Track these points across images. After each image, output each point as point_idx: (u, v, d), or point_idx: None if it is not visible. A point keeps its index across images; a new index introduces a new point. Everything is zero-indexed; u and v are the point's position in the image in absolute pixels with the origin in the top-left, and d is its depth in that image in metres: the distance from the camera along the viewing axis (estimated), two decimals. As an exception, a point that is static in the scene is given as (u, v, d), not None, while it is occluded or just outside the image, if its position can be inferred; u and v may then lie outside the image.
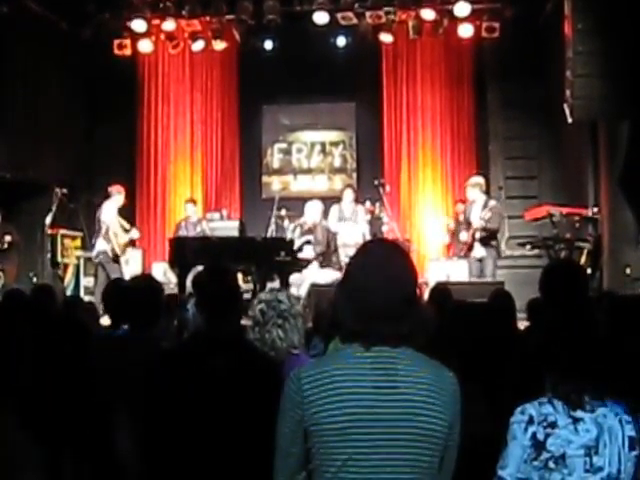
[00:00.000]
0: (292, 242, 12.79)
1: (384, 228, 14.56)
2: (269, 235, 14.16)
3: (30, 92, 14.59)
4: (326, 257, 13.15)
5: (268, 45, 16.37)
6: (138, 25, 15.83)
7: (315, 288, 11.69)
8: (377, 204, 14.72)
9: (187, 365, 3.96)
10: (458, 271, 13.68)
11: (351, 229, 14.14)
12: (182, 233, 14.70)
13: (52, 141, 15.19)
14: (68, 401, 3.73)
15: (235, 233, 14.64)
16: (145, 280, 5.85)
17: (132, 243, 14.66)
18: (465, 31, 15.54)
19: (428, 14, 15.31)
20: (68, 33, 15.75)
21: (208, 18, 16.00)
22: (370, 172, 16.59)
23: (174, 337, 5.66)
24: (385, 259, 2.79)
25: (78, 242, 15.52)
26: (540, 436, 3.24)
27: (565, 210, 12.97)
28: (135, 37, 16.20)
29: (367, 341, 2.71)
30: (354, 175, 17.58)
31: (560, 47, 11.83)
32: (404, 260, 2.83)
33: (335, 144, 17.86)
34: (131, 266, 14.49)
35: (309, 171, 17.91)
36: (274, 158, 17.98)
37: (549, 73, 14.22)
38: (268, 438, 2.92)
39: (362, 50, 16.38)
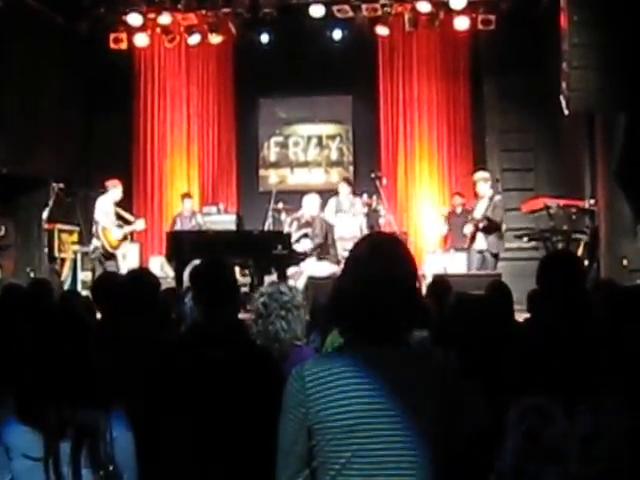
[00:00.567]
0: (289, 235, 12.79)
1: (381, 221, 14.58)
2: (266, 229, 14.18)
3: (26, 87, 14.56)
4: (324, 250, 13.14)
5: (264, 38, 16.34)
6: (134, 19, 15.82)
7: (312, 281, 11.69)
8: (374, 197, 14.73)
9: (185, 359, 3.97)
10: (455, 263, 13.70)
11: (348, 222, 14.15)
12: (177, 228, 14.71)
13: (49, 136, 15.16)
14: (67, 396, 3.73)
15: (232, 227, 14.64)
16: (141, 274, 5.84)
17: (130, 236, 14.65)
18: (461, 23, 15.52)
19: (424, 6, 15.29)
20: (64, 27, 15.71)
21: (204, 12, 15.97)
22: (367, 165, 16.59)
23: (172, 331, 5.65)
24: (385, 252, 2.78)
25: (75, 237, 15.51)
26: (536, 428, 3.25)
27: (562, 202, 12.97)
28: (131, 31, 16.18)
29: (367, 334, 2.71)
30: (351, 168, 17.58)
31: (556, 39, 11.84)
32: (404, 253, 2.83)
33: (332, 137, 17.85)
34: (128, 260, 14.47)
35: (306, 164, 17.91)
36: (271, 151, 17.98)
37: (545, 65, 14.21)
38: (267, 431, 2.92)
39: (358, 43, 16.38)
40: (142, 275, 5.65)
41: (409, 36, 16.58)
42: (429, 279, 10.65)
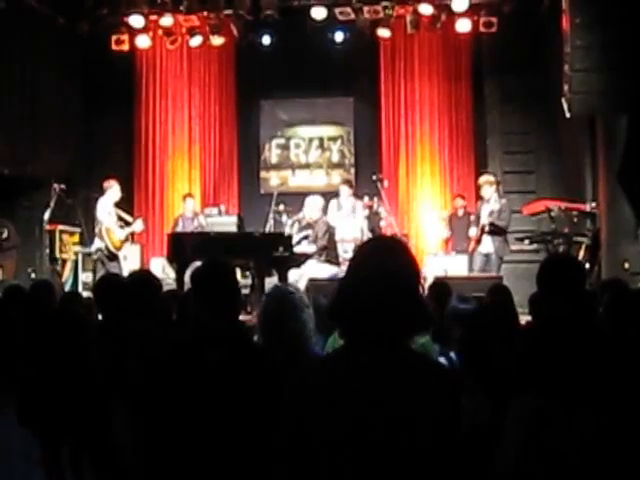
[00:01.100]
0: (290, 237, 12.78)
1: (382, 223, 14.57)
2: (267, 230, 14.17)
3: (28, 87, 14.57)
4: (327, 253, 13.12)
5: (266, 40, 16.34)
6: (136, 20, 15.80)
7: (313, 283, 11.68)
8: (375, 199, 14.73)
9: (187, 360, 3.96)
10: (456, 266, 13.69)
11: (349, 224, 14.15)
12: (179, 229, 14.71)
13: (50, 136, 15.17)
14: (67, 396, 3.73)
15: (233, 228, 14.64)
16: (143, 276, 5.85)
17: (132, 237, 14.63)
18: (463, 26, 15.51)
19: (426, 9, 15.28)
20: (66, 28, 15.70)
21: (206, 13, 15.96)
22: (368, 167, 16.59)
23: (173, 332, 5.65)
24: (388, 254, 2.78)
25: (76, 238, 15.52)
26: (535, 429, 3.25)
27: (563, 205, 12.98)
28: (133, 32, 16.17)
29: (368, 337, 2.70)
30: (352, 170, 17.58)
31: (558, 41, 11.83)
32: (406, 256, 2.82)
33: (333, 139, 17.86)
34: (129, 262, 14.47)
35: (307, 166, 17.92)
36: (272, 153, 17.99)
37: (547, 68, 14.22)
38: (267, 432, 2.92)
39: (360, 45, 16.38)
40: (144, 277, 5.65)
41: (411, 38, 16.57)
42: (430, 281, 10.65)
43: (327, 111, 17.73)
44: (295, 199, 14.68)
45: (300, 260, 12.75)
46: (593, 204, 12.88)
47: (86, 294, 11.10)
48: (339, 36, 16.22)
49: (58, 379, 3.79)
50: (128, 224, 13.96)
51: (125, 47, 16.30)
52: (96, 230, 13.69)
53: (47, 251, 14.87)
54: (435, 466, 2.61)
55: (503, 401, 4.03)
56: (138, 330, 4.82)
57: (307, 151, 17.94)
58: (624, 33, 10.79)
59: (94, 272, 14.41)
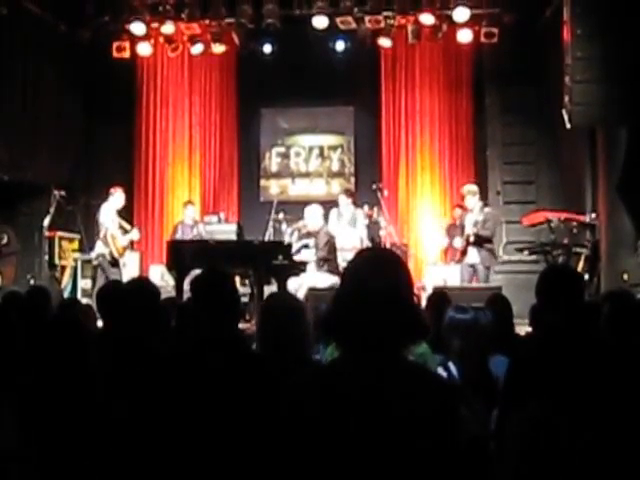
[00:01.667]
0: (290, 246, 12.77)
1: (382, 232, 14.56)
2: (267, 239, 14.15)
3: (29, 94, 14.59)
4: (328, 263, 13.10)
5: (267, 49, 16.38)
6: (137, 28, 15.80)
7: (313, 292, 11.67)
8: (375, 208, 14.72)
9: (186, 369, 3.96)
10: (455, 276, 13.67)
11: (349, 233, 14.13)
12: (178, 236, 14.69)
13: (50, 143, 15.19)
14: (66, 402, 3.73)
15: (233, 236, 14.62)
16: (141, 283, 5.84)
17: (131, 245, 14.61)
18: (464, 36, 15.51)
19: (427, 19, 15.28)
20: (67, 35, 15.71)
21: (207, 21, 15.97)
22: (368, 176, 16.59)
23: (172, 340, 5.64)
24: (379, 266, 2.78)
25: (75, 244, 15.51)
26: (536, 440, 3.24)
27: (563, 216, 12.97)
28: (134, 40, 16.16)
29: (363, 347, 2.69)
30: (352, 179, 17.60)
31: (559, 53, 11.84)
32: (398, 267, 2.81)
33: (333, 148, 17.87)
34: (129, 269, 14.44)
35: (307, 175, 17.93)
36: (272, 162, 18.00)
37: (548, 79, 14.24)
38: (265, 442, 2.91)
39: (361, 54, 16.41)
40: (142, 284, 5.64)
41: (412, 48, 16.59)
42: (429, 291, 10.65)
43: (328, 120, 17.75)
44: (295, 208, 14.68)
45: (299, 269, 12.74)
46: (593, 215, 12.88)
47: (85, 300, 11.11)
48: (340, 45, 16.25)
49: (57, 385, 3.79)
50: (126, 232, 13.95)
51: (126, 54, 16.28)
52: (100, 235, 13.67)
53: (46, 257, 14.84)
54: (435, 477, 2.60)
55: (502, 411, 4.03)
56: (136, 337, 4.81)
57: (307, 160, 17.95)
58: (625, 45, 10.80)
59: (93, 279, 14.41)
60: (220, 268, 4.48)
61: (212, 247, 12.72)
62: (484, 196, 14.54)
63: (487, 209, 13.38)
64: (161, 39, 16.41)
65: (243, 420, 3.74)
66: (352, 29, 15.86)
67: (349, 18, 15.56)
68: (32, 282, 14.25)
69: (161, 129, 17.44)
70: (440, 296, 7.50)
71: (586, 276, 11.90)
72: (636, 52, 10.70)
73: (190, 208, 15.31)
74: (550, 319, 4.29)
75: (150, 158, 17.41)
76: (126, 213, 14.95)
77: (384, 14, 15.41)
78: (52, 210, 14.44)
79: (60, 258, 15.07)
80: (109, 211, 13.70)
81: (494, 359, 5.04)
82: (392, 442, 2.57)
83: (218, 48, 16.32)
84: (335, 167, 17.86)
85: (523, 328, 7.76)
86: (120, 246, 13.61)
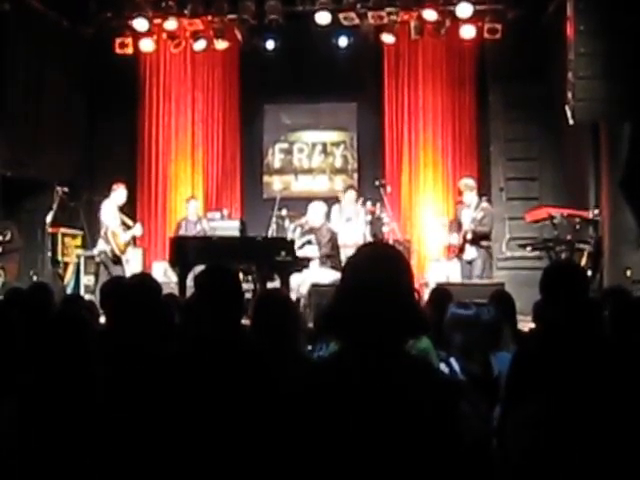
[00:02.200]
0: (293, 242, 12.76)
1: (385, 229, 14.55)
2: (270, 235, 14.15)
3: (31, 90, 14.58)
4: (331, 260, 13.10)
5: (270, 45, 16.36)
6: (140, 24, 15.80)
7: (316, 288, 11.68)
8: (378, 204, 14.71)
9: (187, 368, 3.95)
10: (458, 272, 13.67)
11: (351, 229, 14.12)
12: (182, 232, 14.69)
13: (53, 139, 15.17)
14: (67, 400, 3.72)
15: (236, 233, 14.63)
16: (143, 279, 5.83)
17: (134, 241, 14.60)
18: (467, 32, 15.49)
19: (430, 15, 15.27)
20: (70, 31, 15.72)
21: (210, 17, 15.97)
22: (371, 172, 16.59)
23: (174, 336, 5.64)
24: (381, 259, 2.78)
25: (78, 241, 15.52)
26: (538, 436, 3.24)
27: (566, 212, 12.95)
28: (137, 36, 16.16)
29: (363, 344, 2.69)
30: (355, 175, 17.58)
31: (562, 49, 11.82)
32: (397, 262, 2.81)
33: (336, 144, 17.86)
34: (131, 265, 14.43)
35: (310, 171, 17.91)
36: (275, 158, 17.99)
37: (551, 75, 14.22)
38: (267, 440, 2.91)
39: (364, 50, 16.41)
40: (144, 280, 5.64)
41: (415, 44, 16.56)
42: (432, 287, 10.64)
43: (330, 116, 17.73)
44: (298, 204, 14.67)
45: (302, 265, 12.74)
46: (596, 211, 12.85)
47: (88, 297, 11.11)
48: (343, 41, 16.23)
49: (59, 383, 3.78)
50: (129, 228, 13.94)
51: (129, 50, 16.28)
52: (101, 233, 13.68)
53: (49, 254, 14.85)
54: (435, 473, 2.59)
55: (505, 408, 4.02)
56: (137, 333, 4.81)
57: (310, 156, 17.94)
58: (628, 41, 10.78)
59: (96, 275, 14.42)
60: (225, 264, 4.47)
61: (215, 243, 12.72)
62: (487, 192, 14.53)
63: (484, 204, 13.35)
64: (164, 35, 16.41)
65: (245, 418, 3.73)
66: (355, 25, 15.84)
67: (352, 14, 15.55)
68: (35, 278, 14.24)
69: (164, 125, 17.44)
70: (442, 292, 7.51)
71: (589, 272, 11.89)
72: (638, 48, 10.68)
73: (192, 203, 15.33)
74: (553, 315, 4.28)
75: (153, 154, 17.41)
76: (129, 209, 14.97)
77: (387, 10, 15.40)
78: (55, 206, 14.45)
79: (63, 255, 15.07)
80: (110, 208, 13.70)
81: (496, 355, 5.04)
82: (393, 437, 2.57)
83: (221, 44, 16.31)
84: (338, 163, 17.85)
85: (527, 324, 7.76)
86: (121, 243, 13.61)
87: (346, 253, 13.08)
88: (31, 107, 14.59)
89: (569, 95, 11.19)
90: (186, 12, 15.85)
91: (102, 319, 6.92)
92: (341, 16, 15.54)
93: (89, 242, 14.98)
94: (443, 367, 4.80)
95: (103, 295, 6.29)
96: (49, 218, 14.45)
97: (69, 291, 14.42)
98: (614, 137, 12.12)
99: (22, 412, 3.62)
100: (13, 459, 3.52)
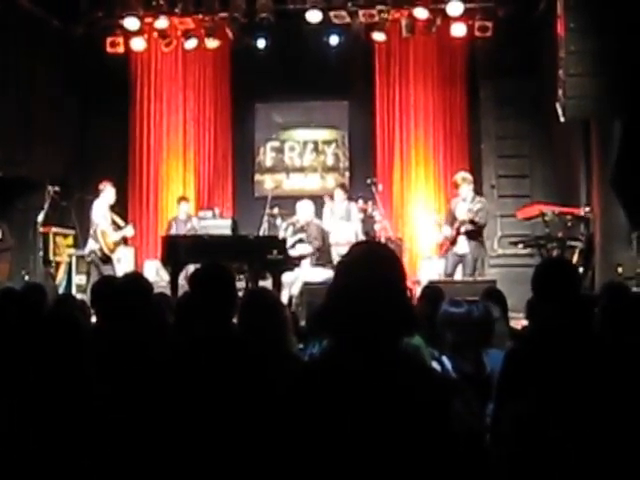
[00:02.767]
0: (284, 240, 12.78)
1: (376, 227, 14.56)
2: (261, 233, 14.15)
3: (22, 90, 14.56)
4: (322, 253, 13.14)
5: (261, 43, 16.34)
6: (131, 23, 15.79)
7: (308, 287, 11.69)
8: (370, 203, 14.72)
9: (184, 367, 3.95)
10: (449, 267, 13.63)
11: (343, 228, 14.14)
12: (173, 231, 14.69)
13: (44, 139, 15.15)
14: (61, 399, 3.72)
15: (227, 231, 14.60)
16: (134, 278, 5.84)
17: (125, 241, 14.58)
18: (458, 30, 15.51)
19: (421, 13, 15.29)
20: (60, 31, 15.70)
21: (201, 16, 15.97)
22: (363, 170, 16.61)
23: (165, 335, 5.64)
24: (374, 258, 2.79)
25: (70, 240, 15.49)
26: (530, 434, 3.25)
27: (557, 209, 12.97)
28: (128, 35, 16.14)
29: (356, 342, 2.69)
30: (346, 174, 17.59)
31: (553, 46, 11.85)
32: (390, 260, 2.81)
33: (328, 142, 17.87)
34: (123, 264, 14.43)
35: (302, 169, 17.92)
36: (267, 156, 17.99)
37: (542, 72, 14.25)
38: (261, 438, 2.91)
39: (355, 49, 16.40)
40: (135, 279, 5.64)
41: (406, 42, 16.58)
42: (424, 285, 10.63)
43: (322, 114, 17.74)
44: (289, 202, 14.66)
45: (294, 263, 12.76)
46: (587, 209, 12.87)
47: (80, 296, 11.10)
48: (334, 39, 16.23)
49: (52, 383, 3.78)
50: (120, 227, 13.92)
51: (120, 49, 16.27)
52: (91, 232, 13.65)
53: (41, 253, 14.82)
54: (429, 470, 2.60)
55: (497, 405, 4.03)
56: (128, 332, 4.81)
57: (302, 154, 17.95)
58: (618, 38, 10.81)
59: (88, 275, 14.40)
60: (220, 262, 4.47)
61: (207, 242, 12.72)
62: (479, 190, 14.52)
63: (482, 198, 13.32)
64: (155, 34, 16.40)
65: (240, 417, 3.73)
66: (346, 23, 15.86)
67: (343, 12, 15.57)
68: (27, 278, 14.22)
69: (155, 124, 17.44)
70: (434, 290, 7.52)
71: (580, 269, 11.91)
72: (630, 45, 10.70)
73: (184, 205, 15.33)
74: (545, 312, 4.29)
75: (144, 153, 17.41)
76: (120, 208, 14.95)
77: (378, 8, 15.42)
78: (46, 206, 14.41)
79: (55, 254, 15.04)
80: (100, 207, 13.67)
81: (488, 353, 5.05)
82: (386, 435, 2.57)
83: (212, 43, 16.31)
84: (330, 161, 17.86)
85: (519, 322, 7.78)
86: (110, 242, 13.56)
87: (338, 251, 13.12)
88: (22, 106, 14.57)
89: (560, 92, 11.21)
90: (177, 11, 15.86)
91: (94, 318, 6.92)
92: (332, 14, 15.56)
93: (81, 241, 14.94)
94: (435, 365, 4.81)
95: (94, 294, 6.28)
96: (41, 217, 14.41)
97: (61, 290, 14.40)
98: (605, 134, 12.14)
99: (18, 413, 3.61)
100: (9, 460, 3.52)
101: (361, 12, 15.52)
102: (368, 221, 14.69)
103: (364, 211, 14.67)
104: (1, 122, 13.90)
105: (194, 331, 4.28)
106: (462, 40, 15.98)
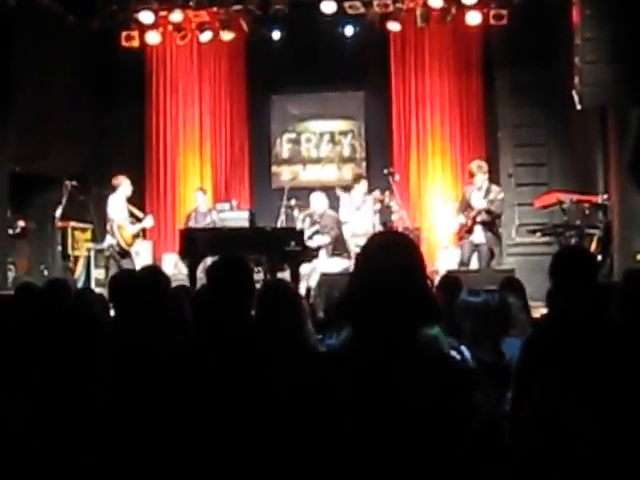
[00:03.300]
0: (302, 232, 12.79)
1: (394, 217, 14.52)
2: (279, 225, 14.17)
3: (39, 85, 14.58)
4: (338, 243, 13.16)
5: (276, 35, 16.35)
6: (145, 17, 15.81)
7: (325, 277, 11.69)
8: (387, 193, 14.69)
9: (201, 361, 3.95)
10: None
11: (361, 218, 14.13)
12: (192, 224, 14.71)
13: (61, 134, 15.17)
14: (77, 394, 3.73)
15: (245, 223, 14.64)
16: (151, 271, 5.85)
17: (143, 233, 14.61)
18: (473, 18, 15.45)
19: (436, 2, 15.24)
20: (77, 26, 15.72)
21: (215, 9, 15.98)
22: (379, 161, 16.59)
23: (184, 328, 5.65)
24: (392, 250, 2.78)
25: (88, 234, 15.54)
26: (549, 422, 3.25)
27: (575, 197, 12.93)
28: (143, 29, 16.17)
29: (377, 332, 2.70)
30: (363, 164, 17.58)
31: (569, 33, 11.82)
32: (410, 250, 2.82)
33: (344, 133, 17.86)
34: (141, 257, 14.49)
35: (318, 161, 17.92)
36: (283, 148, 18.00)
37: (558, 60, 14.18)
38: (277, 430, 2.92)
39: (370, 39, 16.37)
40: (152, 272, 5.66)
41: (421, 32, 16.53)
42: (442, 274, 10.61)
43: (338, 105, 17.72)
44: (307, 194, 14.64)
45: (312, 255, 12.77)
46: (605, 196, 12.84)
47: (99, 290, 11.14)
48: (349, 30, 16.22)
49: (67, 381, 3.79)
50: (139, 220, 13.96)
51: (135, 43, 16.29)
52: (107, 227, 13.70)
53: (59, 248, 14.88)
54: (448, 457, 2.60)
55: (516, 393, 4.03)
56: (146, 326, 4.82)
57: (318, 145, 17.95)
58: (634, 25, 10.77)
59: (107, 269, 14.45)
60: (238, 255, 4.47)
61: (225, 235, 12.76)
62: (495, 178, 14.49)
63: (495, 186, 13.23)
64: (170, 27, 16.42)
65: (256, 412, 3.73)
66: (361, 13, 15.84)
67: (357, 2, 15.55)
68: (46, 273, 14.30)
69: (171, 117, 17.47)
70: (452, 279, 7.51)
71: (599, 257, 11.89)
72: (645, 32, 10.68)
73: (200, 195, 15.31)
74: (563, 300, 4.28)
75: (161, 147, 17.44)
76: (138, 202, 14.98)
77: (392, -3, 15.40)
78: (64, 200, 14.46)
79: (73, 248, 15.10)
80: (116, 202, 13.68)
81: (507, 341, 5.05)
82: (406, 425, 2.57)
83: (227, 35, 16.31)
84: (346, 152, 17.85)
85: (537, 310, 7.76)
86: (128, 236, 13.58)
87: (356, 242, 13.12)
88: (38, 102, 14.59)
89: (576, 80, 11.19)
90: (191, 4, 15.86)
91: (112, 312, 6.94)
92: (346, 5, 15.54)
93: (99, 236, 14.99)
94: (454, 355, 4.80)
95: (111, 288, 6.30)
96: (59, 212, 14.46)
97: (80, 285, 14.44)
98: (622, 121, 12.11)
99: (34, 413, 3.63)
100: (25, 459, 3.54)
101: (375, 2, 15.49)
102: (385, 211, 14.66)
103: (381, 201, 14.63)
104: (18, 118, 13.96)
105: (212, 324, 4.28)
106: (477, 28, 15.92)
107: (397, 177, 15.13)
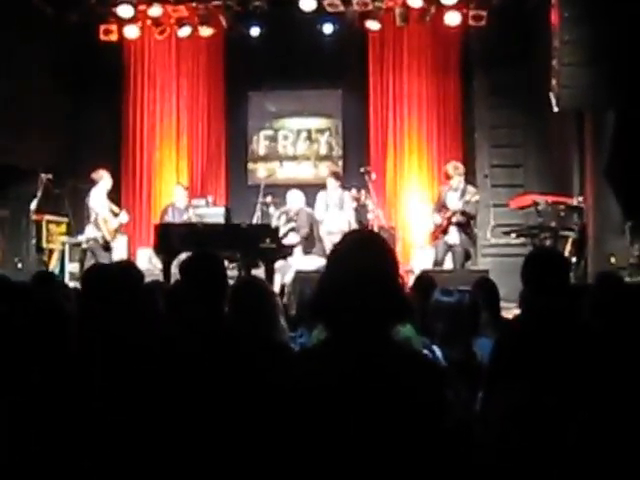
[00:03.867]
0: (277, 229, 12.80)
1: (369, 216, 14.54)
2: (255, 222, 14.17)
3: (14, 77, 14.49)
4: (310, 242, 13.16)
5: (254, 32, 16.30)
6: (124, 11, 15.74)
7: (300, 275, 11.70)
8: (363, 191, 14.70)
9: (174, 355, 3.94)
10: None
11: (336, 217, 14.14)
12: (168, 218, 14.67)
13: (37, 126, 15.10)
14: (51, 387, 3.72)
15: (221, 220, 14.60)
16: (125, 266, 5.83)
17: (120, 228, 14.58)
18: (452, 19, 15.46)
19: (415, 2, 15.24)
20: (54, 18, 15.64)
21: (194, 4, 15.92)
22: (356, 159, 16.58)
23: (157, 324, 5.63)
24: (364, 248, 2.79)
25: (63, 228, 15.45)
26: (520, 423, 3.25)
27: (550, 199, 12.97)
28: (121, 23, 16.10)
29: (350, 331, 2.69)
30: (340, 162, 17.57)
31: (547, 36, 11.85)
32: (383, 248, 2.82)
33: (321, 131, 17.85)
34: (117, 252, 14.44)
35: (295, 158, 17.91)
36: (260, 145, 17.97)
37: (536, 61, 14.22)
38: (255, 428, 2.91)
39: (349, 37, 16.37)
40: (125, 267, 5.64)
41: (400, 31, 16.54)
42: (417, 274, 10.62)
43: (315, 103, 17.72)
44: (283, 191, 14.66)
45: (287, 252, 12.77)
46: (580, 198, 12.88)
47: (72, 284, 11.08)
48: (328, 28, 16.19)
49: (43, 369, 3.78)
50: (116, 215, 13.94)
51: (114, 37, 16.24)
52: (91, 219, 13.67)
53: (34, 241, 14.80)
54: (421, 459, 2.60)
55: (487, 394, 4.03)
56: (117, 321, 4.80)
57: (295, 143, 17.93)
58: (613, 28, 10.81)
59: (81, 262, 14.37)
60: (210, 251, 4.47)
61: (200, 230, 12.73)
62: (472, 179, 14.53)
63: (470, 187, 13.30)
64: (148, 22, 16.36)
65: (234, 407, 3.72)
66: (340, 11, 15.83)
67: (337, 1, 15.52)
68: (20, 266, 14.22)
69: (148, 112, 17.41)
70: (426, 279, 7.53)
71: (573, 259, 11.95)
72: (624, 35, 10.70)
73: (180, 190, 15.26)
74: (535, 301, 4.30)
75: (137, 141, 17.39)
76: (114, 196, 14.93)
77: (372, -4, 15.41)
78: (39, 193, 14.40)
79: (48, 242, 15.00)
80: (99, 195, 13.68)
81: (478, 341, 5.06)
82: (379, 424, 2.58)
83: (205, 31, 16.28)
84: (323, 150, 17.84)
85: (510, 312, 7.78)
86: (112, 229, 13.61)
87: (331, 240, 13.12)
88: (14, 94, 14.50)
89: (553, 82, 11.23)
90: (171, -1, 15.83)
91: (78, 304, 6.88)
92: (326, 3, 15.52)
93: (74, 229, 14.93)
94: (426, 354, 4.81)
95: (84, 282, 6.26)
96: (33, 205, 14.40)
97: (54, 278, 14.35)
98: (598, 124, 12.16)
99: (13, 411, 3.61)
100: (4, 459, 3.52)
101: (355, 0, 15.48)
102: (361, 210, 14.68)
103: (357, 200, 14.64)
104: (-7, 110, 13.88)
105: (185, 320, 4.27)
106: (456, 29, 15.93)
107: (374, 176, 15.13)
